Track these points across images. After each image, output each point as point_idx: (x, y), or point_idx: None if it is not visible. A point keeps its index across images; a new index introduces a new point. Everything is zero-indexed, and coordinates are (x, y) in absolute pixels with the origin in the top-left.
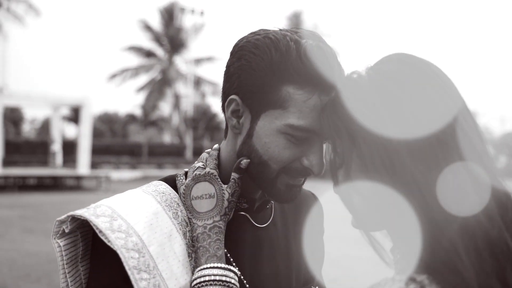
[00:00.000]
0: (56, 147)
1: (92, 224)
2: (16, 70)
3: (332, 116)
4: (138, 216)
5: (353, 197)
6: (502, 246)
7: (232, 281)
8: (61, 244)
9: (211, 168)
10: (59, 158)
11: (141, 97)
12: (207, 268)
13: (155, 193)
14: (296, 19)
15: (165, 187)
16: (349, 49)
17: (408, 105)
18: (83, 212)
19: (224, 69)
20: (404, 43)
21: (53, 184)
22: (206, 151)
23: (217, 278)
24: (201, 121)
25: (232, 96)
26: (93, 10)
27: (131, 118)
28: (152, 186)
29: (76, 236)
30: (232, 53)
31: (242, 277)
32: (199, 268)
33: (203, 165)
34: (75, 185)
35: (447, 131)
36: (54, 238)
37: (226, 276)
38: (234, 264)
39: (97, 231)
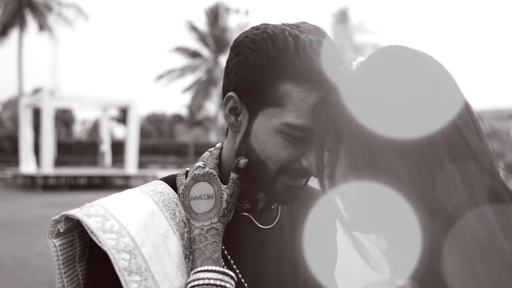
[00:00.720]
0: (105, 147)
1: (83, 224)
2: (66, 72)
3: (322, 114)
4: (132, 216)
5: (343, 198)
6: (496, 251)
7: (228, 285)
8: (57, 244)
9: (210, 168)
10: (108, 158)
11: (187, 97)
12: (201, 271)
13: (152, 193)
14: (342, 16)
15: (164, 186)
16: None
17: (396, 101)
18: (76, 212)
19: (225, 65)
20: (455, 39)
21: (102, 184)
22: (208, 149)
23: (211, 282)
24: None
25: (230, 93)
26: (140, 13)
27: (178, 118)
28: (150, 185)
29: (73, 236)
30: (231, 49)
31: (243, 280)
32: (193, 271)
33: (204, 164)
34: (123, 184)
35: (441, 131)
36: (50, 238)
37: (221, 280)
38: (235, 266)
39: (88, 231)
